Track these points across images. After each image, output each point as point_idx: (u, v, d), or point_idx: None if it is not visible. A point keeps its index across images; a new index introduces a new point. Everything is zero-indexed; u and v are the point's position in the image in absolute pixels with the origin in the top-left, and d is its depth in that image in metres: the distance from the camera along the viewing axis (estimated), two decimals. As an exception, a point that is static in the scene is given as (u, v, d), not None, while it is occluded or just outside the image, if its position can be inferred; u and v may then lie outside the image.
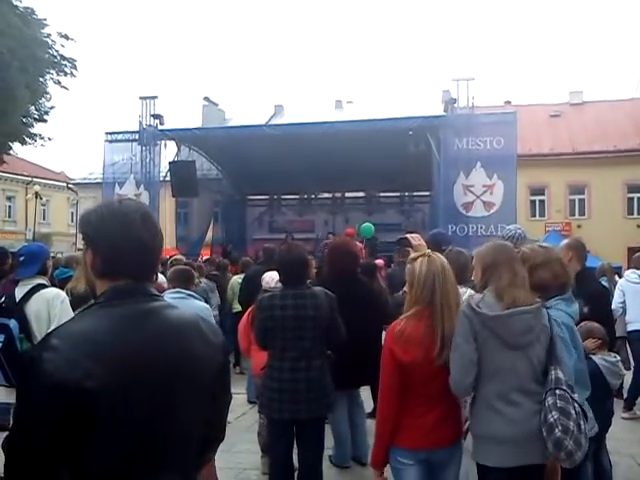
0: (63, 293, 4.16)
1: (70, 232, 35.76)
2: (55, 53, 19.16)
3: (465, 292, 3.43)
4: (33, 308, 3.83)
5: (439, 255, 2.84)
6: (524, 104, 27.56)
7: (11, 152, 20.70)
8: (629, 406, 6.62)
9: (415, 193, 16.73)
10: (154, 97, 13.63)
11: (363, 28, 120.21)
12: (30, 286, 3.92)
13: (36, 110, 19.49)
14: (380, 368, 2.78)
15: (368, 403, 5.52)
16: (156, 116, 13.44)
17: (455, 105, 12.17)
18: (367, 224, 12.98)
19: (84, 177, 30.92)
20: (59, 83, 19.61)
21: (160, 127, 13.47)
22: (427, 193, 15.20)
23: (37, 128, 20.00)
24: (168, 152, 13.97)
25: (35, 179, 35.31)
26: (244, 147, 14.04)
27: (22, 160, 32.56)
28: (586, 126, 27.07)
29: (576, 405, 2.48)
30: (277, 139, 13.27)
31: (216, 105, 28.36)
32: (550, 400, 2.47)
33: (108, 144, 13.75)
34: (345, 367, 4.25)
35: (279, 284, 4.18)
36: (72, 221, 37.11)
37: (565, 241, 4.36)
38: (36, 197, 30.39)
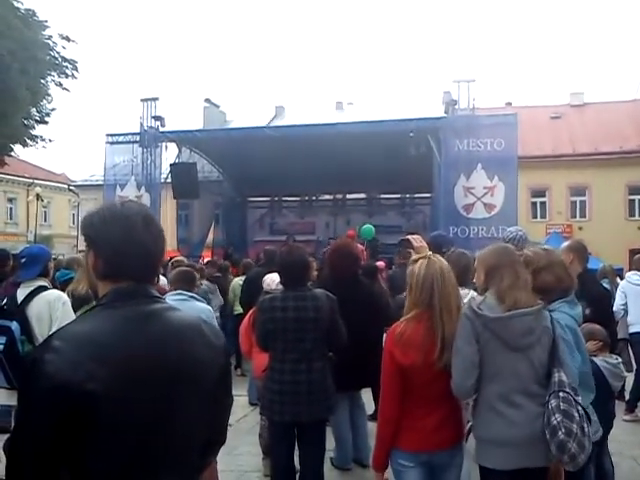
0: (65, 295, 4.16)
1: (71, 234, 35.79)
2: (56, 55, 19.18)
3: (467, 294, 3.43)
4: (35, 310, 3.83)
5: (439, 257, 2.84)
6: (525, 105, 27.58)
7: (12, 154, 20.71)
8: (631, 408, 6.61)
9: (416, 195, 16.73)
10: (155, 99, 13.66)
11: (364, 30, 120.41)
12: (32, 288, 3.92)
13: (37, 112, 19.50)
14: (381, 370, 2.78)
15: (369, 405, 5.51)
16: (157, 118, 13.46)
17: (456, 107, 12.18)
18: (367, 226, 12.99)
19: (85, 179, 30.97)
20: (60, 85, 19.64)
21: (161, 129, 13.49)
22: (428, 195, 15.20)
23: (38, 130, 20.05)
24: (169, 154, 14.02)
25: (36, 181, 35.35)
26: (245, 149, 14.05)
27: (23, 162, 32.56)
28: (587, 128, 27.07)
29: (579, 408, 2.48)
30: (278, 141, 13.29)
31: (217, 107, 28.46)
32: (553, 402, 2.47)
33: (109, 146, 13.77)
34: (346, 369, 4.25)
35: (280, 286, 4.18)
36: (73, 223, 37.15)
37: (566, 243, 4.35)
38: (37, 199, 30.42)
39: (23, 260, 4.04)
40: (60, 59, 19.29)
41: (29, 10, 18.29)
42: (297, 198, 17.90)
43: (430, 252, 3.48)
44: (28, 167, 35.79)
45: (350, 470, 5.01)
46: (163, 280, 6.09)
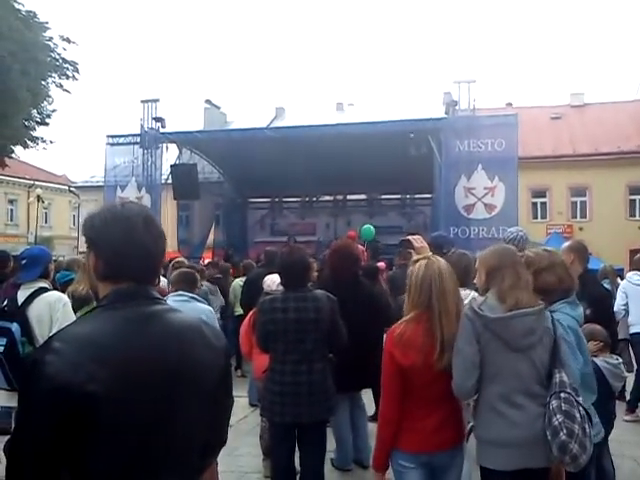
0: (65, 296, 4.17)
1: (72, 235, 35.79)
2: (57, 56, 19.17)
3: (468, 295, 3.43)
4: (35, 311, 3.84)
5: (438, 258, 2.84)
6: (525, 106, 27.59)
7: (13, 155, 20.70)
8: (632, 408, 6.60)
9: (416, 195, 16.72)
10: (156, 100, 13.65)
11: (364, 31, 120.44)
12: (32, 289, 3.93)
13: (38, 113, 19.50)
14: (381, 371, 2.78)
15: (370, 406, 5.51)
16: (158, 119, 13.45)
17: (456, 107, 12.18)
18: (367, 226, 12.98)
19: (86, 180, 30.99)
20: (61, 86, 19.64)
21: (162, 130, 13.48)
22: (428, 195, 15.19)
23: (39, 131, 20.05)
24: (170, 155, 14.01)
25: (37, 182, 35.37)
26: (245, 150, 14.05)
27: (24, 163, 32.58)
28: (587, 128, 27.07)
29: (581, 408, 2.48)
30: (278, 142, 13.29)
31: (218, 108, 28.47)
32: (554, 403, 2.47)
33: (110, 147, 13.76)
34: (347, 370, 4.25)
35: (280, 287, 4.18)
36: (74, 224, 37.15)
37: (567, 243, 4.35)
38: (38, 200, 30.43)
39: (24, 262, 4.04)
40: (61, 61, 19.29)
41: (30, 12, 18.29)
42: (298, 199, 17.89)
43: (431, 253, 3.49)
44: (29, 168, 35.80)
45: (351, 471, 5.01)
46: (163, 281, 6.09)
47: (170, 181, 13.67)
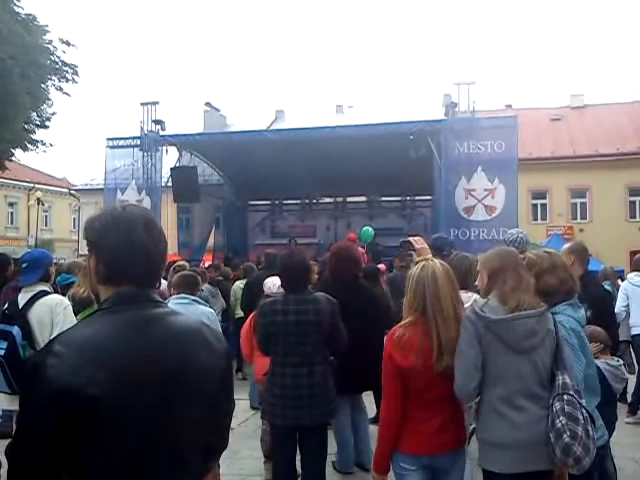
0: (66, 300, 4.17)
1: (72, 238, 35.81)
2: (56, 59, 19.18)
3: (470, 297, 3.43)
4: (36, 315, 3.84)
5: (435, 261, 2.83)
6: (525, 108, 27.58)
7: (13, 158, 20.72)
8: (633, 410, 6.58)
9: (416, 197, 16.71)
10: (155, 103, 13.64)
11: (364, 33, 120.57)
12: (33, 293, 3.93)
13: (38, 116, 19.50)
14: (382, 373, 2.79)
15: (371, 408, 5.51)
16: (157, 122, 13.45)
17: (456, 109, 12.18)
18: (367, 228, 12.98)
19: (86, 183, 31.03)
20: (61, 89, 19.64)
21: (161, 133, 13.47)
22: (428, 197, 15.19)
23: (39, 134, 20.05)
24: (170, 158, 13.98)
25: (37, 185, 35.41)
26: (245, 152, 14.05)
27: (24, 166, 32.63)
28: (587, 129, 27.10)
29: (584, 410, 2.47)
30: (278, 144, 13.29)
31: (217, 110, 28.52)
32: (557, 405, 2.46)
33: (110, 150, 13.75)
34: (347, 372, 4.25)
35: (281, 289, 4.18)
36: (74, 227, 37.17)
37: (567, 245, 4.36)
38: (38, 203, 30.44)
39: (24, 265, 4.04)
40: (61, 63, 19.30)
41: (30, 15, 18.30)
42: (298, 201, 17.88)
43: (430, 255, 3.50)
44: (29, 171, 35.84)
45: (352, 474, 5.00)
46: (164, 284, 6.09)
47: (170, 184, 13.66)
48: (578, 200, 26.55)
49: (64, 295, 4.59)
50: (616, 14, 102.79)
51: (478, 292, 3.15)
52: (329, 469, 4.50)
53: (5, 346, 3.71)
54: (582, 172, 25.39)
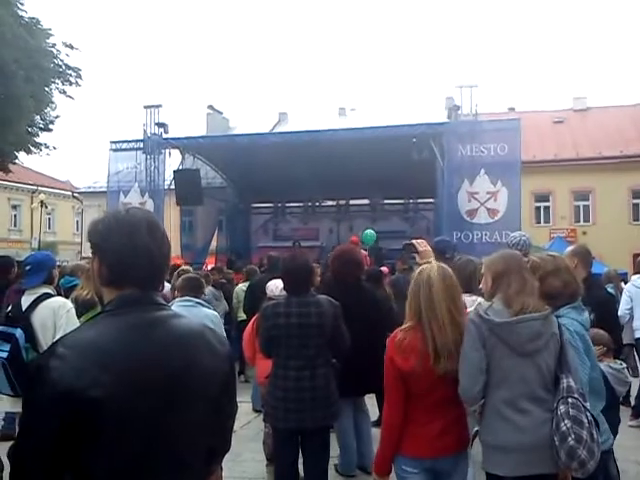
0: (69, 302, 4.18)
1: (75, 241, 35.89)
2: (60, 63, 19.24)
3: (474, 301, 3.42)
4: (39, 317, 3.84)
5: (433, 265, 2.83)
6: (528, 110, 27.59)
7: (17, 161, 20.79)
8: (636, 414, 6.55)
9: (419, 200, 16.71)
10: (158, 106, 13.67)
11: (367, 36, 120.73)
12: (36, 295, 3.93)
13: (41, 119, 19.56)
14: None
15: (373, 412, 5.50)
16: (160, 125, 13.47)
17: (459, 112, 12.18)
18: (369, 231, 12.98)
19: (89, 186, 31.10)
20: (64, 92, 19.69)
21: (164, 136, 13.49)
22: (431, 200, 15.18)
23: (42, 137, 20.09)
24: (172, 160, 14.00)
25: (40, 188, 35.47)
26: (248, 155, 14.07)
27: (27, 169, 32.71)
28: (590, 132, 27.07)
29: (588, 414, 2.47)
30: (281, 147, 13.30)
31: (220, 113, 28.59)
32: (562, 408, 2.46)
33: (113, 153, 13.78)
34: (350, 375, 4.24)
35: (283, 292, 4.18)
36: (77, 230, 37.25)
37: (570, 248, 4.35)
38: (41, 206, 30.52)
39: (28, 267, 4.05)
40: (64, 67, 19.36)
41: (33, 18, 18.38)
42: (300, 204, 17.89)
43: (433, 258, 3.50)
44: (32, 174, 35.92)
45: (354, 477, 4.99)
46: (167, 287, 6.10)
47: (173, 186, 13.68)
48: (581, 203, 26.52)
49: (67, 298, 4.60)
50: (619, 17, 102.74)
51: (482, 295, 3.15)
52: (331, 472, 4.49)
53: (8, 348, 3.71)
54: (585, 175, 25.36)
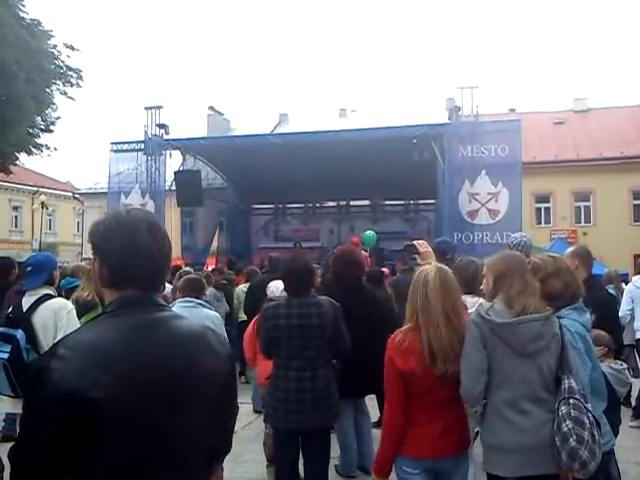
0: (70, 303, 4.18)
1: (76, 242, 35.91)
2: (61, 64, 19.24)
3: (476, 302, 3.42)
4: (40, 318, 3.85)
5: (431, 267, 2.83)
6: (528, 111, 27.60)
7: (17, 162, 20.79)
8: (637, 414, 6.54)
9: (420, 201, 16.70)
10: (159, 107, 13.68)
11: (367, 37, 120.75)
12: (37, 296, 3.93)
13: (42, 120, 19.56)
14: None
15: (374, 413, 5.49)
16: (161, 126, 13.48)
17: (459, 113, 12.17)
18: (369, 232, 12.97)
19: (90, 187, 31.11)
20: (65, 94, 19.69)
21: (165, 137, 13.50)
22: (432, 201, 15.17)
23: (43, 138, 20.09)
24: (173, 162, 14.00)
25: (41, 189, 35.51)
26: (249, 156, 14.08)
27: (28, 170, 32.73)
28: (591, 133, 27.06)
29: (590, 415, 2.47)
30: (282, 148, 13.31)
31: (221, 114, 28.61)
32: (564, 409, 2.46)
33: (113, 154, 13.79)
34: (350, 376, 4.24)
35: (284, 293, 4.18)
36: (78, 231, 37.27)
37: (571, 249, 4.34)
38: (42, 207, 30.54)
39: (29, 268, 4.05)
40: (65, 68, 19.36)
41: (34, 20, 18.39)
42: (301, 205, 17.89)
43: (434, 259, 3.50)
44: (33, 175, 35.97)
45: (355, 478, 4.98)
46: (168, 288, 6.10)
47: (174, 187, 13.69)
48: (582, 204, 26.51)
49: (68, 299, 4.60)
50: (619, 18, 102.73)
51: (484, 296, 3.15)
52: (332, 473, 4.49)
53: (9, 349, 3.71)
54: (586, 176, 25.35)
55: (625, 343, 6.31)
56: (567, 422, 2.42)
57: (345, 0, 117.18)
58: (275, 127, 30.00)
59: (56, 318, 3.85)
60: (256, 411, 6.66)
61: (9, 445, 1.38)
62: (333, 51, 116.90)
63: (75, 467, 1.28)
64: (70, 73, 19.46)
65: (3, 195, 35.64)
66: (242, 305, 8.28)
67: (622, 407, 4.30)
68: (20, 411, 1.40)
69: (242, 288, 8.67)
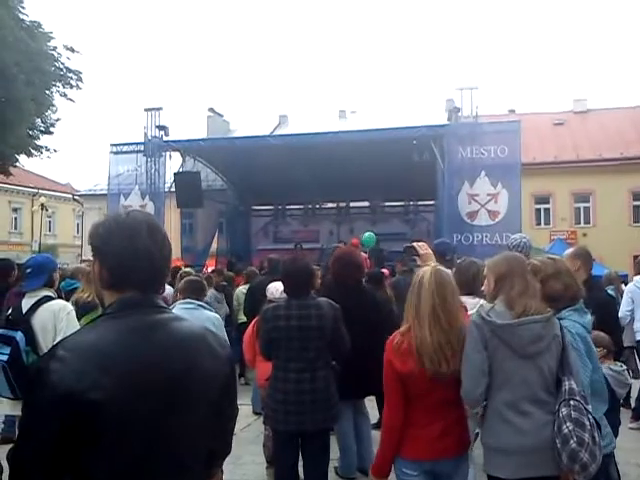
0: (69, 305, 4.17)
1: (76, 243, 35.89)
2: (61, 66, 19.23)
3: (477, 303, 3.42)
4: (39, 320, 3.84)
5: (427, 269, 2.83)
6: (528, 112, 27.61)
7: (17, 164, 20.77)
8: (637, 416, 6.54)
9: (419, 202, 16.71)
10: (159, 108, 13.69)
11: (367, 38, 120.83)
12: (37, 298, 3.93)
13: (42, 122, 19.54)
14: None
15: (374, 414, 5.49)
16: (161, 127, 13.49)
17: (459, 114, 12.19)
18: (368, 233, 12.97)
19: (89, 188, 31.12)
20: (65, 95, 19.68)
21: (165, 138, 13.51)
22: (431, 202, 15.18)
23: (43, 140, 20.07)
24: (173, 163, 14.01)
25: (41, 191, 35.50)
26: (249, 157, 14.09)
27: (28, 172, 32.73)
28: (590, 134, 27.07)
29: (590, 416, 2.47)
30: (281, 149, 13.32)
31: (221, 116, 28.62)
32: (564, 411, 2.46)
33: (113, 155, 13.79)
34: (350, 377, 4.24)
35: (284, 295, 4.18)
36: (78, 232, 37.27)
37: (572, 250, 4.33)
38: (42, 209, 30.53)
39: (28, 270, 4.05)
40: (65, 70, 19.35)
41: (34, 22, 18.39)
42: (301, 206, 17.90)
43: (434, 261, 3.50)
44: (33, 177, 35.96)
45: (354, 479, 4.98)
46: (169, 289, 6.10)
47: (173, 189, 13.69)
48: (581, 205, 26.52)
49: (68, 300, 4.60)
50: (619, 19, 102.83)
51: (485, 297, 3.15)
52: (331, 474, 4.49)
53: (8, 351, 3.71)
54: (585, 177, 25.36)
55: (625, 345, 6.30)
56: (568, 424, 2.42)
57: (345, 2, 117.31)
58: (275, 128, 30.00)
59: (56, 320, 3.85)
60: (256, 413, 6.66)
61: (8, 447, 1.37)
62: (333, 53, 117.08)
63: (74, 469, 1.28)
64: (70, 75, 19.46)
65: (3, 197, 35.62)
66: (242, 307, 8.28)
67: (622, 408, 4.30)
68: (19, 413, 1.40)
69: (242, 289, 8.67)
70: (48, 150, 20.26)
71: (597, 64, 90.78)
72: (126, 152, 13.72)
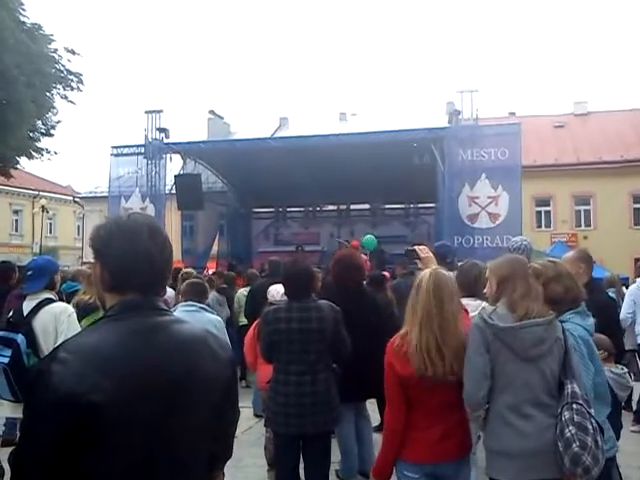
0: (70, 308, 4.18)
1: (76, 245, 35.93)
2: (62, 68, 19.26)
3: (479, 305, 3.42)
4: (40, 323, 3.84)
5: (426, 272, 2.84)
6: (528, 115, 27.62)
7: (18, 166, 20.79)
8: (639, 419, 6.53)
9: (420, 205, 16.71)
10: (159, 111, 13.72)
11: (367, 41, 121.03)
12: (38, 300, 3.93)
13: (43, 124, 19.56)
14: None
15: (375, 417, 5.48)
16: (162, 130, 13.51)
17: (459, 117, 12.20)
18: (369, 236, 12.97)
19: (90, 191, 31.17)
20: (66, 98, 19.70)
21: (166, 140, 13.53)
22: (432, 205, 15.19)
23: (44, 142, 20.08)
24: (174, 165, 14.04)
25: (42, 193, 35.56)
26: (249, 160, 14.10)
27: (29, 174, 32.78)
28: (591, 136, 27.10)
29: (593, 420, 2.46)
30: (282, 152, 13.33)
31: (221, 118, 28.67)
32: (567, 414, 2.45)
33: (114, 158, 13.81)
34: (351, 380, 4.23)
35: (284, 297, 4.18)
36: (78, 234, 37.30)
37: (573, 253, 4.33)
38: (43, 211, 30.57)
39: (29, 273, 4.05)
40: (65, 72, 19.38)
41: (35, 24, 18.42)
42: (301, 209, 17.91)
43: (435, 264, 3.50)
44: (34, 179, 36.00)
45: (355, 482, 4.98)
46: (170, 292, 6.10)
47: (174, 191, 13.71)
48: (582, 207, 26.53)
49: (69, 303, 4.60)
50: (620, 22, 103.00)
51: (487, 300, 3.15)
52: (332, 477, 4.48)
53: (9, 354, 3.71)
54: (586, 179, 25.38)
55: (627, 348, 6.29)
56: (570, 427, 2.42)
57: (345, 4, 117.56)
58: (275, 131, 30.06)
59: (57, 322, 3.85)
60: (257, 415, 6.65)
61: (9, 449, 1.37)
62: (333, 55, 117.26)
63: (75, 471, 1.27)
64: (71, 77, 19.49)
65: (4, 199, 35.65)
66: (242, 309, 8.27)
67: (623, 411, 4.29)
68: (20, 415, 1.40)
69: (242, 292, 8.66)
70: (49, 152, 20.28)
71: (598, 67, 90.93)
72: (127, 154, 13.74)
